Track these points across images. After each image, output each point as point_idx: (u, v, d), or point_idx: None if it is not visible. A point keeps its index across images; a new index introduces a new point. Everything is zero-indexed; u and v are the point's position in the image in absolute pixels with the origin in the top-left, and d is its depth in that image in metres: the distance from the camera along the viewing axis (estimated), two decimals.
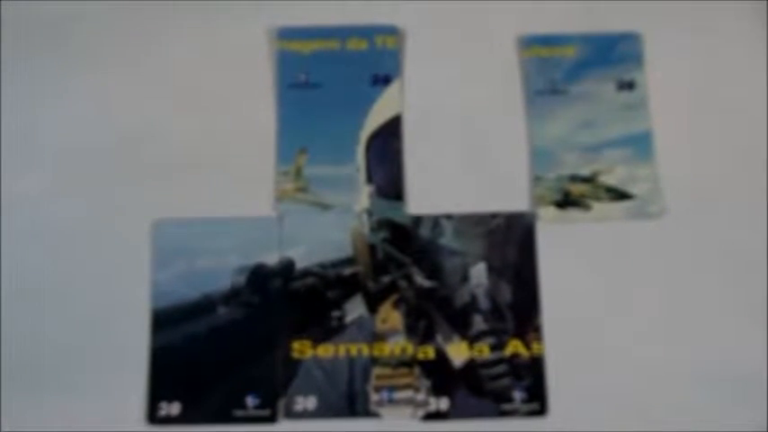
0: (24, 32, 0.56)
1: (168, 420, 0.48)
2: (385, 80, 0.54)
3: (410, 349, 0.49)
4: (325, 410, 0.48)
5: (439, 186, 0.53)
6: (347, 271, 0.51)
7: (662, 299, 0.50)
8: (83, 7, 0.56)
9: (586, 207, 0.52)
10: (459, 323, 0.50)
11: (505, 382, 0.49)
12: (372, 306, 0.50)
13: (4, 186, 0.53)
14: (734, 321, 0.50)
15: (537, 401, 0.49)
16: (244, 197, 0.52)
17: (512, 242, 0.51)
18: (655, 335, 0.50)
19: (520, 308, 0.50)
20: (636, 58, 0.55)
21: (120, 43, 0.56)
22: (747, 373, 0.49)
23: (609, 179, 0.53)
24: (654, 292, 0.51)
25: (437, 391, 0.49)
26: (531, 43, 0.56)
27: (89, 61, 0.55)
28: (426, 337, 0.50)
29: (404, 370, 0.49)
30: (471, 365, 0.49)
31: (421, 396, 0.49)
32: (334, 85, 0.54)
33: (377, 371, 0.49)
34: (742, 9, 0.57)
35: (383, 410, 0.48)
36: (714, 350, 0.49)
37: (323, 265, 0.51)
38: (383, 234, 0.52)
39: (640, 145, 0.54)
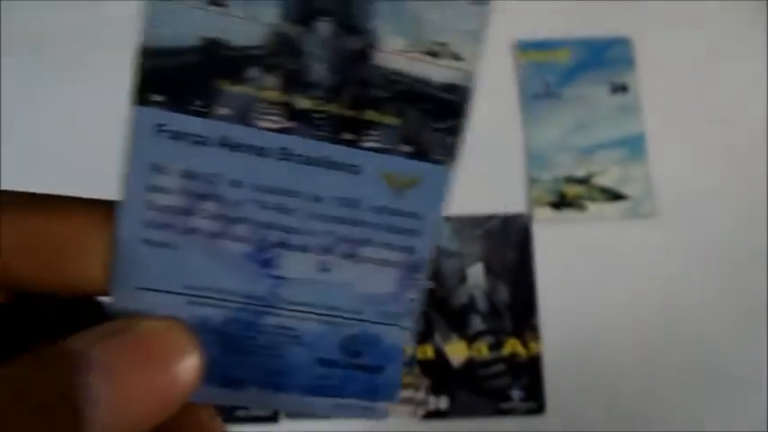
0: (22, 45, 0.57)
1: None
2: None
3: (409, 349, 0.50)
4: None
5: None
6: None
7: (657, 297, 0.51)
8: (73, 21, 0.57)
9: (581, 208, 0.53)
10: (458, 323, 0.51)
11: (504, 381, 0.50)
12: None
13: None
14: (730, 320, 0.51)
15: (534, 400, 0.49)
16: None
17: (508, 243, 0.52)
18: (650, 333, 0.51)
19: (517, 308, 0.51)
20: (628, 62, 0.56)
21: (112, 56, 0.56)
22: (745, 371, 0.50)
23: (603, 180, 0.54)
24: (649, 290, 0.51)
25: (436, 390, 0.49)
26: (527, 48, 0.57)
27: (83, 73, 0.56)
28: (425, 336, 0.50)
29: (403, 369, 0.50)
30: (470, 365, 0.50)
31: (420, 395, 0.49)
32: None
33: None
34: (733, 11, 0.58)
35: None
36: (712, 349, 0.50)
37: None
38: None
39: (634, 146, 0.55)
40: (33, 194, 0.17)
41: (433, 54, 0.17)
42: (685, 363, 0.50)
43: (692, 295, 0.51)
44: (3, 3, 0.57)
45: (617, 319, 0.51)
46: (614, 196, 0.53)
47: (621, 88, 0.56)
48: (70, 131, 0.55)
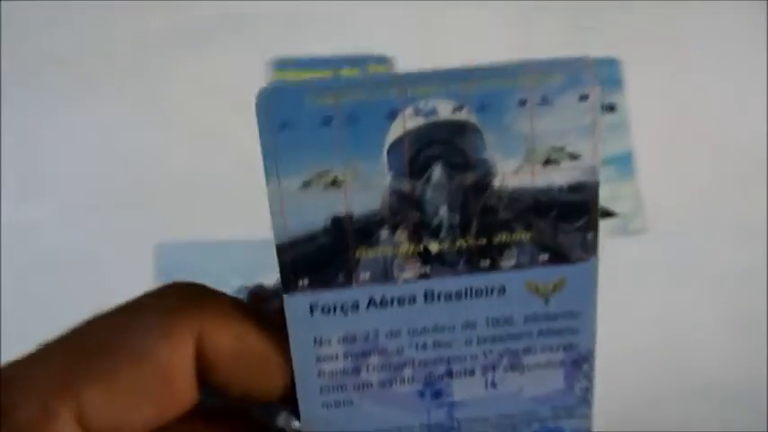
0: (26, 65, 0.57)
1: None
2: None
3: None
4: None
5: None
6: None
7: (649, 313, 0.52)
8: (83, 40, 0.58)
9: None
10: None
11: None
12: None
13: (7, 215, 0.54)
14: (723, 335, 0.52)
15: None
16: (243, 220, 0.54)
17: None
18: (644, 350, 0.51)
19: None
20: (616, 83, 0.58)
21: (120, 74, 0.57)
22: (742, 387, 0.51)
23: None
24: (641, 307, 0.53)
25: None
26: None
27: (90, 92, 0.57)
28: None
29: None
30: None
31: None
32: None
33: None
34: (720, 33, 0.59)
35: None
36: (706, 365, 0.51)
37: None
38: None
39: (622, 165, 0.56)
40: (234, 302, 0.19)
41: (551, 161, 0.17)
42: (679, 379, 0.51)
43: (684, 311, 0.52)
44: (7, 21, 0.58)
45: (609, 336, 0.51)
46: (604, 214, 0.55)
47: (610, 108, 0.57)
48: (75, 151, 0.56)
